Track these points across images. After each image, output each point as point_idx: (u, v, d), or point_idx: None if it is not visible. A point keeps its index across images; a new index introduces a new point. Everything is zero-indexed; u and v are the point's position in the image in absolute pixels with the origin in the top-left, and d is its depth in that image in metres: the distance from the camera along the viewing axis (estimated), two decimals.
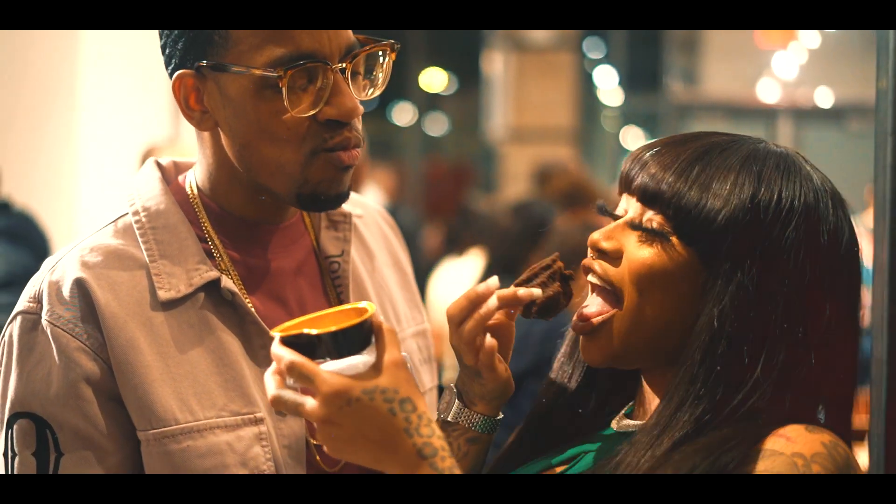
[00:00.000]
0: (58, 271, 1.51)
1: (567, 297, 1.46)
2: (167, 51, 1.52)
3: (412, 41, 13.23)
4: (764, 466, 1.26)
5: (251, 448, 1.49)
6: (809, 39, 11.19)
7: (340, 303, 1.64)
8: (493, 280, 1.46)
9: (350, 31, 1.50)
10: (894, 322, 1.65)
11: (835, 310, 1.36)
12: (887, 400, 1.67)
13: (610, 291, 1.40)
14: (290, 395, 1.27)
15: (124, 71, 4.77)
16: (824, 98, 11.69)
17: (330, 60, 1.47)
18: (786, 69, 11.48)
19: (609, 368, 1.46)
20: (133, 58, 4.69)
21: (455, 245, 6.80)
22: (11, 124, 4.42)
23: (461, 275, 5.33)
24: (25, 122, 4.48)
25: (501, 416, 1.53)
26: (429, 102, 15.40)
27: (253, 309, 1.54)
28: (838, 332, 1.36)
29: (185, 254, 1.53)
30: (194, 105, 1.52)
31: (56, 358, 1.46)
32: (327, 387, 1.24)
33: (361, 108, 1.50)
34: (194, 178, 1.60)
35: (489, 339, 1.45)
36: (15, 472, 1.47)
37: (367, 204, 1.82)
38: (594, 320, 1.39)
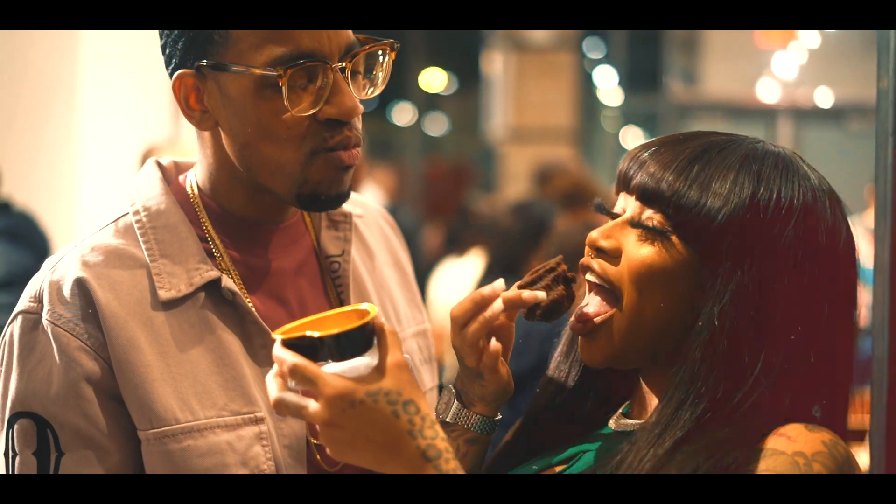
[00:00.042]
0: (58, 271, 1.51)
1: (570, 301, 1.46)
2: (167, 50, 1.52)
3: (412, 41, 13.23)
4: (766, 466, 1.26)
5: (251, 448, 1.49)
6: (809, 39, 11.18)
7: (341, 302, 1.64)
8: (499, 283, 1.46)
9: (350, 31, 1.50)
10: (895, 322, 1.65)
11: (833, 308, 1.36)
12: (888, 400, 1.67)
13: (608, 290, 1.40)
14: (292, 397, 1.26)
15: (124, 71, 4.78)
16: (824, 98, 11.69)
17: (330, 59, 1.47)
18: (786, 69, 11.47)
19: (607, 368, 1.46)
20: (133, 58, 4.69)
21: (455, 245, 6.80)
22: (11, 124, 4.43)
23: (461, 275, 5.33)
24: (25, 122, 4.48)
25: (500, 416, 1.53)
26: (429, 102, 15.41)
27: (253, 308, 1.54)
28: (836, 331, 1.37)
29: (186, 253, 1.53)
30: (194, 105, 1.52)
31: (57, 357, 1.46)
32: (330, 389, 1.24)
33: (361, 108, 1.50)
34: (195, 178, 1.60)
35: (494, 343, 1.46)
36: (16, 472, 1.47)
37: (367, 204, 1.82)
38: (595, 320, 1.39)
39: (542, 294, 1.43)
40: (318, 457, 1.54)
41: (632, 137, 13.74)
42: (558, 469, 1.44)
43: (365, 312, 1.28)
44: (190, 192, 1.59)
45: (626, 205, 1.42)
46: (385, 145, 15.60)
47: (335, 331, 1.25)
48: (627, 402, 1.49)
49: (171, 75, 1.52)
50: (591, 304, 1.41)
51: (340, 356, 1.25)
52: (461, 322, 1.46)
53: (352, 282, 1.65)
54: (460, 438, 1.50)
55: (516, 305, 1.44)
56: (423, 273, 5.44)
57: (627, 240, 1.39)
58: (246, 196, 1.57)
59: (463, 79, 15.45)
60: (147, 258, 1.52)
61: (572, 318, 1.44)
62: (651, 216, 1.38)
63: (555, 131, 10.62)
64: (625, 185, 1.43)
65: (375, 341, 1.27)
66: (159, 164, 1.63)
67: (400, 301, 1.76)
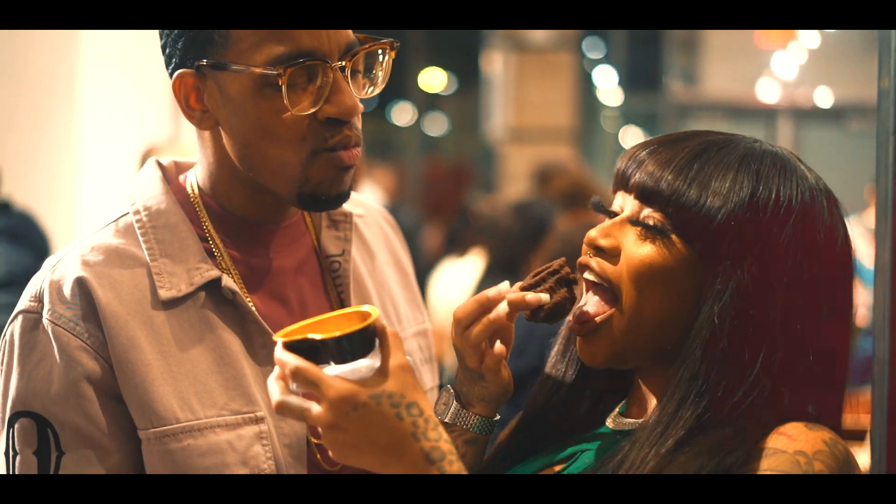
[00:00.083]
0: (59, 270, 1.51)
1: (572, 303, 1.46)
2: (167, 50, 1.52)
3: (412, 41, 13.23)
4: (767, 465, 1.26)
5: (252, 447, 1.49)
6: (809, 39, 11.18)
7: (341, 301, 1.64)
8: (504, 285, 1.46)
9: (349, 30, 1.50)
10: None
11: (830, 307, 1.36)
12: (889, 400, 1.67)
13: (607, 289, 1.40)
14: (295, 400, 1.25)
15: (124, 71, 4.78)
16: (824, 98, 11.69)
17: (329, 58, 1.47)
18: (786, 69, 11.47)
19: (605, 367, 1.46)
20: (133, 58, 4.69)
21: (455, 245, 6.81)
22: (11, 124, 4.43)
23: (461, 275, 5.33)
24: (25, 122, 4.48)
25: (499, 417, 1.53)
26: (428, 102, 15.41)
27: (254, 308, 1.54)
28: (833, 329, 1.37)
29: (186, 253, 1.53)
30: (195, 104, 1.52)
31: (57, 357, 1.46)
32: (334, 392, 1.23)
33: (361, 107, 1.50)
34: (195, 178, 1.60)
35: (498, 346, 1.46)
36: (16, 471, 1.47)
37: (367, 203, 1.82)
38: (596, 319, 1.39)
39: (545, 296, 1.43)
40: (318, 456, 1.54)
41: (631, 137, 13.73)
42: (557, 468, 1.44)
43: (366, 314, 1.28)
44: (190, 191, 1.59)
45: (625, 203, 1.42)
46: (385, 145, 15.61)
47: (337, 333, 1.25)
48: (624, 401, 1.49)
49: (171, 75, 1.52)
50: (590, 303, 1.41)
51: (342, 359, 1.25)
52: (465, 323, 1.45)
53: (352, 281, 1.65)
54: (459, 439, 1.50)
55: (520, 307, 1.44)
56: (422, 273, 5.44)
57: (626, 238, 1.39)
58: (246, 196, 1.57)
59: (463, 79, 15.45)
60: (147, 258, 1.52)
61: (570, 319, 1.44)
62: (650, 215, 1.38)
63: (555, 131, 10.62)
64: (623, 183, 1.42)
65: (377, 343, 1.27)
66: (160, 164, 1.63)
67: (400, 301, 1.76)
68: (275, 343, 1.27)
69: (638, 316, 1.37)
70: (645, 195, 1.39)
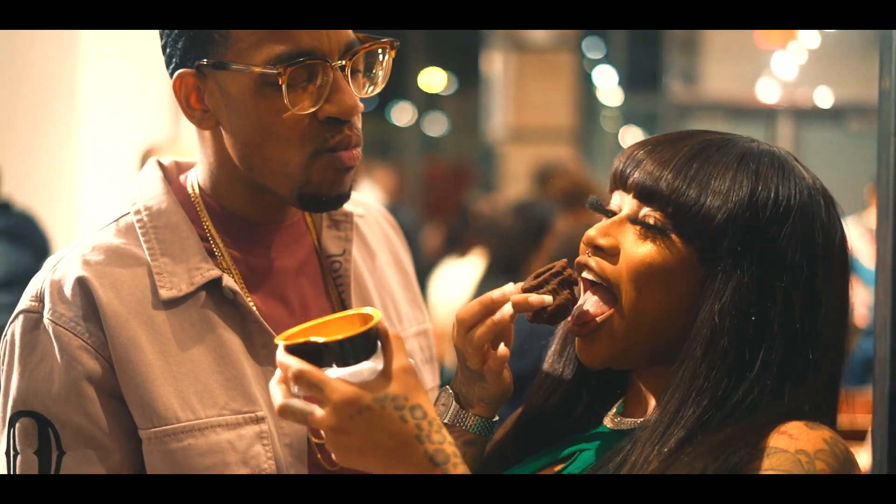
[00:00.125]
0: (59, 270, 1.51)
1: (573, 304, 1.46)
2: (167, 50, 1.52)
3: (412, 41, 13.23)
4: (770, 464, 1.26)
5: (252, 447, 1.49)
6: (809, 39, 11.18)
7: (342, 302, 1.64)
8: (509, 287, 1.45)
9: (350, 30, 1.50)
10: None
11: (828, 306, 1.37)
12: (890, 399, 1.67)
13: (606, 289, 1.39)
14: (298, 404, 1.24)
15: (124, 71, 4.78)
16: (824, 98, 11.69)
17: (329, 58, 1.47)
18: (786, 69, 11.47)
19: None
20: (133, 58, 4.69)
21: (455, 245, 6.81)
22: (11, 124, 4.43)
23: (462, 275, 5.34)
24: (25, 122, 4.48)
25: (497, 418, 1.53)
26: (428, 102, 15.40)
27: (254, 308, 1.54)
28: (831, 328, 1.37)
29: (187, 252, 1.53)
30: (195, 104, 1.52)
31: (58, 356, 1.46)
32: (338, 395, 1.22)
33: (361, 106, 1.50)
34: (196, 178, 1.60)
35: (502, 349, 1.46)
36: (17, 471, 1.47)
37: (368, 204, 1.82)
38: (598, 319, 1.39)
39: (548, 298, 1.43)
40: (318, 456, 1.54)
41: (631, 137, 13.73)
42: (556, 468, 1.44)
43: (368, 317, 1.27)
44: (191, 191, 1.59)
45: (622, 203, 1.42)
46: (384, 145, 15.60)
47: (340, 336, 1.24)
48: (620, 401, 1.49)
49: (171, 75, 1.52)
50: (589, 303, 1.41)
51: (345, 362, 1.24)
52: (468, 325, 1.45)
53: (353, 281, 1.65)
54: (458, 440, 1.50)
55: (524, 309, 1.44)
56: (422, 273, 5.44)
57: (625, 238, 1.39)
58: (247, 195, 1.57)
59: (463, 79, 15.44)
60: (148, 257, 1.52)
61: (570, 319, 1.43)
62: (650, 214, 1.38)
63: (555, 131, 10.62)
64: (621, 182, 1.42)
65: (379, 346, 1.27)
66: (160, 164, 1.63)
67: (401, 301, 1.76)
68: (276, 345, 1.27)
69: (638, 316, 1.37)
70: (644, 194, 1.39)
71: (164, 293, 1.50)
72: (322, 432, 1.25)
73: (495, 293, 1.44)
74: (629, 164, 1.41)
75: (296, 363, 1.24)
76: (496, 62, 10.98)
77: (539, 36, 10.64)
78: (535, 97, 10.68)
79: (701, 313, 1.34)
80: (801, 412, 1.32)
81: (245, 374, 1.51)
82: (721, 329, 1.32)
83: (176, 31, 1.50)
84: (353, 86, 1.49)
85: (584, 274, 1.42)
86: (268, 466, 1.49)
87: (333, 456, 1.26)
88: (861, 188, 6.44)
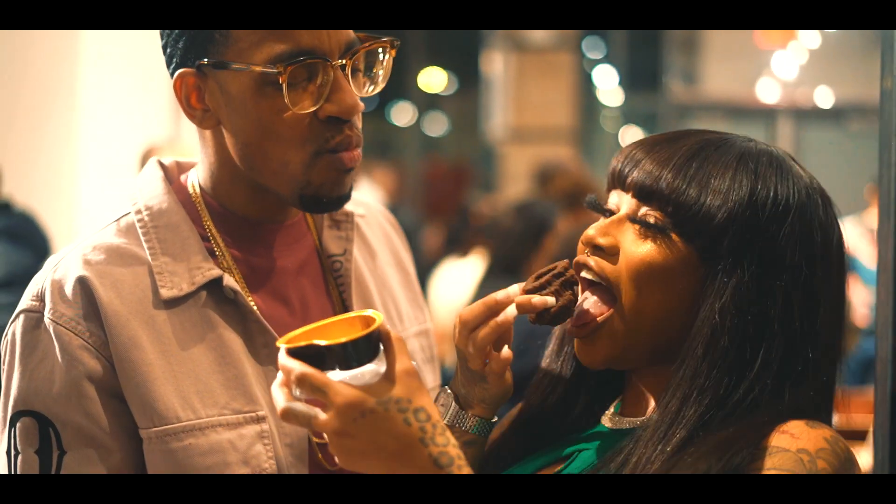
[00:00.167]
0: (60, 270, 1.51)
1: (574, 305, 1.45)
2: (168, 50, 1.52)
3: (412, 41, 13.22)
4: (771, 463, 1.26)
5: (253, 446, 1.49)
6: (809, 39, 11.18)
7: (343, 301, 1.64)
8: (513, 288, 1.45)
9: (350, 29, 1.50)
10: None
11: (827, 305, 1.37)
12: (891, 399, 1.67)
13: (605, 288, 1.39)
14: (301, 407, 1.24)
15: (124, 71, 4.78)
16: (824, 98, 11.69)
17: (330, 57, 1.47)
18: (786, 69, 11.47)
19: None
20: (133, 58, 4.69)
21: (455, 245, 6.81)
22: (11, 124, 4.43)
23: (462, 275, 5.34)
24: (25, 122, 4.48)
25: (496, 419, 1.53)
26: (428, 102, 15.39)
27: (255, 307, 1.54)
28: (829, 327, 1.37)
29: (188, 252, 1.53)
30: (196, 104, 1.52)
31: (59, 356, 1.46)
32: (341, 398, 1.21)
33: (362, 105, 1.50)
34: (196, 178, 1.60)
35: (506, 351, 1.45)
36: (18, 471, 1.47)
37: (369, 203, 1.82)
38: (598, 319, 1.39)
39: (551, 300, 1.43)
40: (319, 455, 1.54)
41: (631, 137, 13.69)
42: (556, 468, 1.44)
43: (370, 319, 1.27)
44: (192, 191, 1.59)
45: (621, 202, 1.42)
46: (385, 145, 15.59)
47: (343, 339, 1.24)
48: (618, 400, 1.49)
49: (171, 75, 1.52)
50: (588, 303, 1.41)
51: (347, 364, 1.24)
52: (471, 326, 1.44)
53: (354, 281, 1.65)
54: (457, 441, 1.49)
55: (527, 310, 1.44)
56: (423, 273, 5.44)
57: (625, 237, 1.39)
58: (247, 195, 1.57)
59: (463, 79, 15.43)
60: (149, 257, 1.52)
61: (570, 320, 1.43)
62: (650, 213, 1.38)
63: (555, 131, 10.63)
64: (620, 182, 1.42)
65: (381, 348, 1.26)
66: (161, 164, 1.63)
67: (402, 300, 1.76)
68: (277, 347, 1.26)
69: (638, 315, 1.37)
70: (643, 194, 1.39)
71: (165, 293, 1.50)
72: (325, 435, 1.25)
73: (499, 294, 1.44)
74: (627, 163, 1.41)
75: (298, 366, 1.23)
76: (496, 62, 10.98)
77: (539, 36, 10.64)
78: (535, 97, 10.68)
79: (701, 312, 1.34)
80: (802, 411, 1.32)
81: (246, 374, 1.51)
82: (722, 328, 1.32)
83: (176, 30, 1.50)
84: (353, 85, 1.49)
85: (583, 273, 1.42)
86: (268, 466, 1.49)
87: (337, 459, 1.25)
88: (861, 188, 6.44)
